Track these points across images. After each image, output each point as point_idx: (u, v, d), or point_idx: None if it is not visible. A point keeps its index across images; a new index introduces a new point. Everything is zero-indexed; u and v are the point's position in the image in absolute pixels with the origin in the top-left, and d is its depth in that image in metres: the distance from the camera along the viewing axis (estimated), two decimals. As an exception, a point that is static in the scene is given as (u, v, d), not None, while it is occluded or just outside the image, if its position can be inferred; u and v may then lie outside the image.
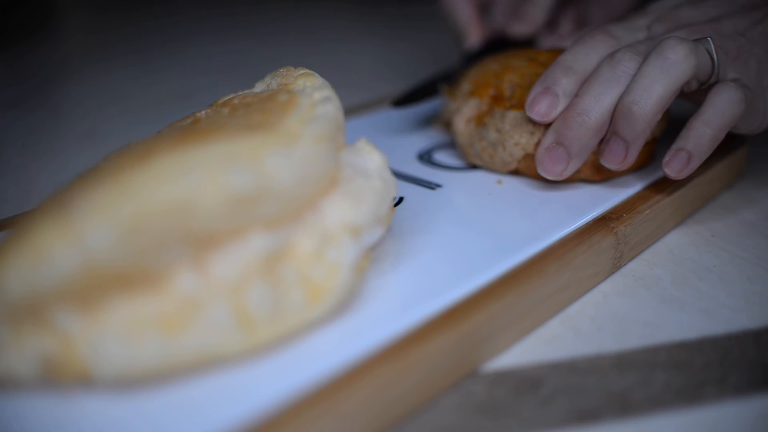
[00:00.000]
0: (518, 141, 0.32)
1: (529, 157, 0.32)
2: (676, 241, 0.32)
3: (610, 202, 0.31)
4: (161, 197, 0.19)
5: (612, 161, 0.31)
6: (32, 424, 0.19)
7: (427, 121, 0.41)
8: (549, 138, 0.31)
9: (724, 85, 0.30)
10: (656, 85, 0.29)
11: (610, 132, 0.31)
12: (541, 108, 0.31)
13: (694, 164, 0.30)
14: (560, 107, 0.31)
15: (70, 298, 0.19)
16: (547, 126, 0.32)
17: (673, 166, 0.30)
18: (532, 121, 0.32)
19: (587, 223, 0.29)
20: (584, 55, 0.32)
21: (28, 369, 0.20)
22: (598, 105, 0.30)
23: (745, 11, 0.33)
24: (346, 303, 0.23)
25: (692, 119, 0.30)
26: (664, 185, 0.32)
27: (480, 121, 0.34)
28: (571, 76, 0.32)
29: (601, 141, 0.32)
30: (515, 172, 0.34)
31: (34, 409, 0.19)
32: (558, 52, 0.37)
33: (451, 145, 0.38)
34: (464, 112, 0.35)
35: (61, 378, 0.20)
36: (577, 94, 0.31)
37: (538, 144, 0.32)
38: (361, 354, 0.21)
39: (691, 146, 0.30)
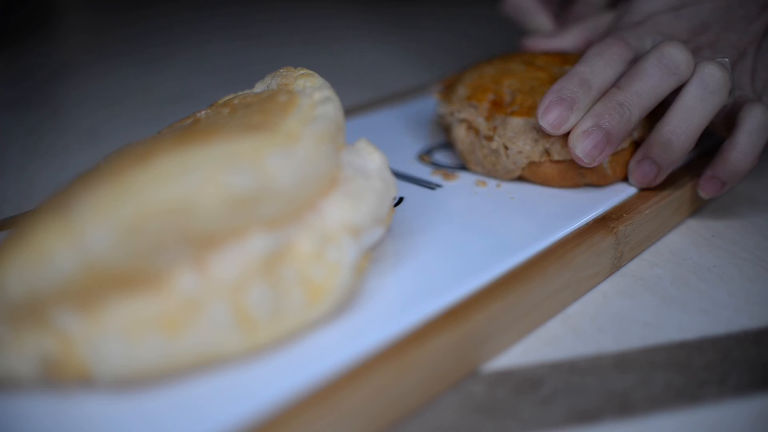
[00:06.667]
0: (522, 149, 0.32)
1: (534, 165, 0.32)
2: (676, 241, 0.32)
3: (610, 202, 0.31)
4: (161, 197, 0.19)
5: (642, 182, 0.31)
6: (32, 424, 0.19)
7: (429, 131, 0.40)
8: (588, 122, 0.30)
9: (752, 108, 0.30)
10: (696, 117, 0.29)
11: (642, 154, 0.31)
12: (552, 117, 0.30)
13: (728, 189, 0.31)
14: (571, 121, 0.31)
15: (70, 298, 0.19)
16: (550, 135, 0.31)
17: (708, 190, 0.31)
18: (536, 129, 0.32)
19: (587, 224, 0.29)
20: (601, 68, 0.31)
21: (28, 369, 0.20)
22: (640, 102, 0.30)
23: (740, 18, 0.33)
24: (346, 303, 0.23)
25: (728, 149, 0.30)
26: (664, 185, 0.32)
27: (479, 129, 0.34)
28: (588, 91, 0.31)
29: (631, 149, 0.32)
30: (518, 179, 0.33)
31: (34, 409, 0.19)
32: (554, 55, 0.36)
33: (452, 145, 0.38)
34: (463, 117, 0.34)
35: (61, 378, 0.20)
36: (618, 85, 0.30)
37: (543, 151, 0.32)
38: (361, 354, 0.21)
39: (726, 176, 0.31)
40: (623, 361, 0.25)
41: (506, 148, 0.32)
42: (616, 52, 0.32)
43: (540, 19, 0.46)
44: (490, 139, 0.33)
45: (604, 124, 0.30)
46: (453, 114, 0.35)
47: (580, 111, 0.31)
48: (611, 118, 0.30)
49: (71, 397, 0.20)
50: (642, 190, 0.32)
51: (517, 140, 0.32)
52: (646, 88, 0.30)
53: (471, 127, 0.34)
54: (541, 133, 0.32)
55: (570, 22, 0.43)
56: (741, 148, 0.30)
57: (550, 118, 0.30)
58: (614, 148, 0.31)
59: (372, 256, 0.26)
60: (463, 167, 0.35)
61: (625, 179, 0.33)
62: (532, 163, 0.32)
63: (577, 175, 0.32)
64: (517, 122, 0.32)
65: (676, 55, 0.30)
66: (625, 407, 0.23)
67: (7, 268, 0.19)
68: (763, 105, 0.30)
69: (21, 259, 0.19)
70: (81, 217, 0.19)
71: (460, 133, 0.34)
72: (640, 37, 0.33)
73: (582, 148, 0.30)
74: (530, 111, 0.32)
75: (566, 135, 0.31)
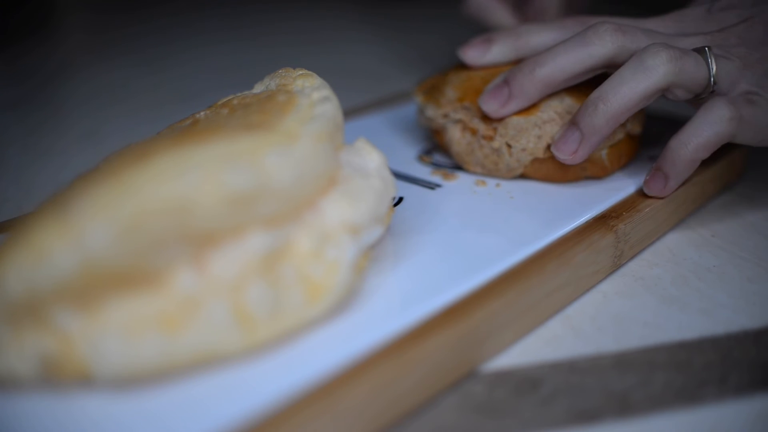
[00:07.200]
0: (525, 146, 0.32)
1: (536, 161, 0.32)
2: (676, 241, 0.32)
3: (609, 200, 0.31)
4: (160, 196, 0.19)
5: (563, 150, 0.31)
6: (32, 424, 0.19)
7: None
8: (500, 77, 0.32)
9: (714, 101, 0.29)
10: (624, 87, 0.29)
11: (570, 121, 0.31)
12: (472, 52, 0.34)
13: (673, 184, 0.30)
14: (487, 59, 0.34)
15: (69, 297, 0.19)
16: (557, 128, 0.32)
17: (652, 186, 0.31)
18: (538, 126, 0.32)
19: (587, 222, 0.29)
20: (539, 28, 0.34)
21: (28, 368, 0.20)
22: (553, 61, 0.31)
23: None
24: (345, 302, 0.23)
25: (671, 139, 0.30)
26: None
27: (476, 130, 0.34)
28: (513, 40, 0.33)
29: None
30: (519, 177, 0.33)
31: (34, 409, 0.19)
32: None
33: (442, 147, 0.37)
34: (458, 118, 0.34)
35: (61, 377, 0.20)
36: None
37: (546, 147, 0.32)
38: (360, 352, 0.21)
39: (667, 168, 0.30)
40: (623, 361, 0.25)
41: (509, 146, 0.32)
42: (567, 24, 0.33)
43: (501, 15, 0.46)
44: (489, 138, 0.33)
45: (510, 79, 0.32)
46: (447, 116, 0.35)
47: (498, 51, 0.34)
48: (518, 72, 0.32)
49: (71, 396, 0.20)
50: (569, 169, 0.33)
51: (520, 138, 0.32)
52: (561, 53, 0.31)
53: (466, 128, 0.34)
54: (543, 129, 0.32)
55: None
56: (682, 136, 0.29)
57: (469, 52, 0.34)
58: (520, 103, 0.32)
59: (371, 255, 0.26)
60: (460, 168, 0.35)
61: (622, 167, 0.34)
62: (534, 160, 0.32)
63: (579, 168, 0.32)
64: (517, 121, 0.32)
65: (601, 32, 0.30)
66: (625, 407, 0.23)
67: (7, 267, 0.19)
68: (725, 101, 0.29)
69: (20, 258, 0.19)
70: (80, 216, 0.19)
71: (456, 134, 0.34)
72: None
73: (484, 99, 0.32)
74: (529, 109, 0.32)
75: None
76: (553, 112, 0.32)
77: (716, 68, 0.30)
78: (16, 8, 0.82)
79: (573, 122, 0.31)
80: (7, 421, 0.19)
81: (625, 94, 0.29)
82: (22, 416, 0.19)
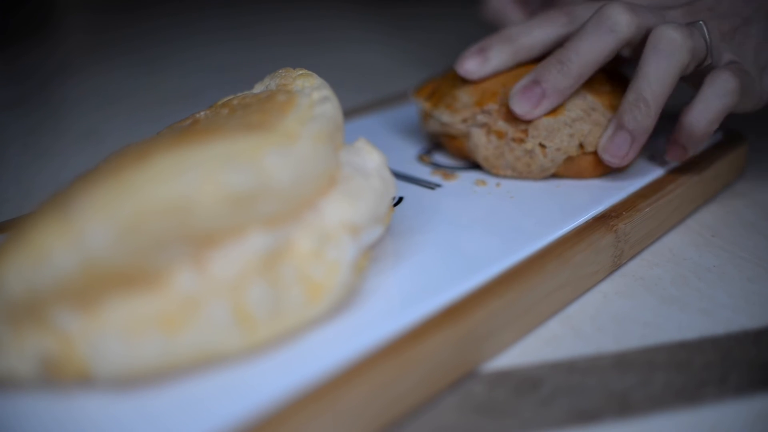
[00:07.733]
0: (560, 146, 0.32)
1: (569, 159, 0.33)
2: (676, 241, 0.32)
3: (610, 200, 0.31)
4: (160, 196, 0.19)
5: (615, 154, 0.31)
6: (32, 424, 0.19)
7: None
8: (528, 78, 0.32)
9: (718, 74, 0.30)
10: (658, 81, 0.30)
11: (615, 125, 0.31)
12: (470, 66, 0.33)
13: (692, 152, 0.32)
14: (487, 70, 0.33)
15: (69, 297, 0.19)
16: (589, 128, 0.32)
17: (673, 154, 0.32)
18: (568, 125, 0.32)
19: (587, 221, 0.29)
20: (528, 28, 0.34)
21: (28, 368, 0.20)
22: (578, 55, 0.31)
23: None
24: (345, 301, 0.23)
25: (684, 113, 0.31)
26: (664, 183, 0.32)
27: (503, 133, 0.33)
28: (507, 45, 0.33)
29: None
30: (550, 177, 0.34)
31: (34, 409, 0.19)
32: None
33: (459, 153, 0.36)
34: (483, 122, 0.34)
35: (61, 377, 0.20)
36: (563, 45, 0.32)
37: (578, 145, 0.32)
38: (360, 352, 0.21)
39: (684, 141, 0.31)
40: (623, 361, 0.25)
41: (543, 147, 0.33)
42: (553, 17, 0.33)
43: (518, 18, 0.46)
44: (520, 141, 0.33)
45: (540, 79, 0.31)
46: (466, 121, 0.34)
47: (496, 59, 0.33)
48: (547, 72, 0.31)
49: (71, 396, 0.20)
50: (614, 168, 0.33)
51: (553, 138, 0.32)
52: (585, 45, 0.31)
53: (491, 132, 0.33)
54: (574, 128, 0.32)
55: None
56: (694, 112, 0.30)
57: (467, 66, 0.33)
58: (554, 100, 0.32)
59: (371, 255, 0.26)
60: (463, 167, 0.35)
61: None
62: (568, 158, 0.33)
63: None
64: (548, 122, 0.32)
65: (615, 15, 0.30)
66: (625, 407, 0.23)
67: (7, 267, 0.19)
68: (729, 73, 0.30)
69: (20, 258, 0.19)
70: (80, 216, 0.19)
71: (481, 139, 0.34)
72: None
73: (516, 99, 0.32)
74: (556, 109, 0.32)
75: (597, 130, 0.32)
76: (580, 110, 0.32)
77: (711, 41, 0.30)
78: (16, 8, 0.82)
79: (620, 126, 0.31)
80: (7, 421, 0.19)
81: (659, 87, 0.30)
82: (22, 416, 0.19)
